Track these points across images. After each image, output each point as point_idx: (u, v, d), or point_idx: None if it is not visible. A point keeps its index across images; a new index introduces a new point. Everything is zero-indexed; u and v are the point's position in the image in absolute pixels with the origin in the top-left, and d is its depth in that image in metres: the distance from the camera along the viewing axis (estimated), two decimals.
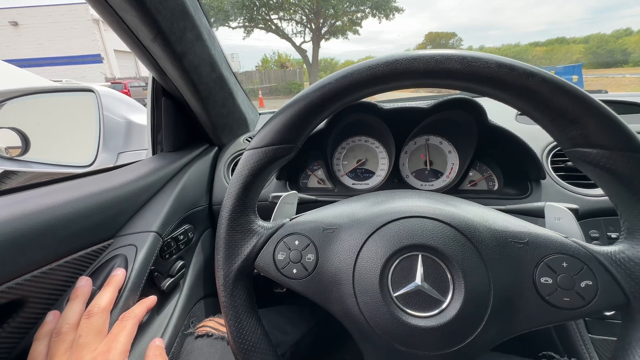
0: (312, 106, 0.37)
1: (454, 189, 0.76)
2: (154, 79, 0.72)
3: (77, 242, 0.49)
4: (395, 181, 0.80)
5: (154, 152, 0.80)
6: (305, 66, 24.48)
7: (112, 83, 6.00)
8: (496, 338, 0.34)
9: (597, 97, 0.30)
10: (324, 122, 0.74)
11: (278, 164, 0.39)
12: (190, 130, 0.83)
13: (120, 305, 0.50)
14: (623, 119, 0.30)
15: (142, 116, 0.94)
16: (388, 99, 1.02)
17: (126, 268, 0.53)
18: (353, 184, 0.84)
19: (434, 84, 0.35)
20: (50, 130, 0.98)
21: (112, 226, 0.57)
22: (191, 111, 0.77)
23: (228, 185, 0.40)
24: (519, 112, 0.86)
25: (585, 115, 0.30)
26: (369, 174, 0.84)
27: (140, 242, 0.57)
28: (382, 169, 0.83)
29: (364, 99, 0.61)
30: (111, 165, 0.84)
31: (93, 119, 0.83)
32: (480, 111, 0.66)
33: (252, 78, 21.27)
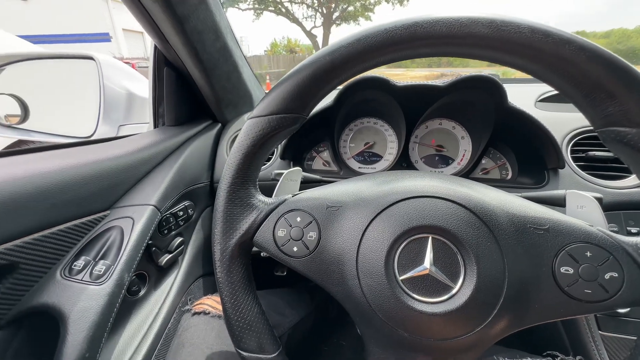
0: (321, 73, 0.34)
1: (465, 177, 0.72)
2: (156, 47, 0.69)
3: (71, 210, 0.48)
4: (403, 165, 0.77)
5: (155, 126, 0.77)
6: (315, 52, 23.98)
7: None
8: (507, 329, 0.32)
9: None
10: (333, 99, 0.70)
11: (282, 134, 0.37)
12: (193, 104, 0.81)
13: (114, 277, 0.48)
14: None
15: (144, 88, 0.91)
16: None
17: (122, 240, 0.52)
18: (359, 167, 0.81)
19: (458, 53, 0.32)
20: (50, 99, 0.95)
21: (108, 197, 0.55)
22: (194, 84, 0.74)
23: (228, 156, 0.37)
24: (539, 99, 0.81)
25: (627, 89, 0.27)
26: (377, 157, 0.81)
27: (137, 215, 0.55)
28: (390, 153, 0.80)
29: (377, 75, 0.57)
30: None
31: (93, 89, 0.80)
32: (500, 91, 0.62)
33: (260, 62, 20.93)
